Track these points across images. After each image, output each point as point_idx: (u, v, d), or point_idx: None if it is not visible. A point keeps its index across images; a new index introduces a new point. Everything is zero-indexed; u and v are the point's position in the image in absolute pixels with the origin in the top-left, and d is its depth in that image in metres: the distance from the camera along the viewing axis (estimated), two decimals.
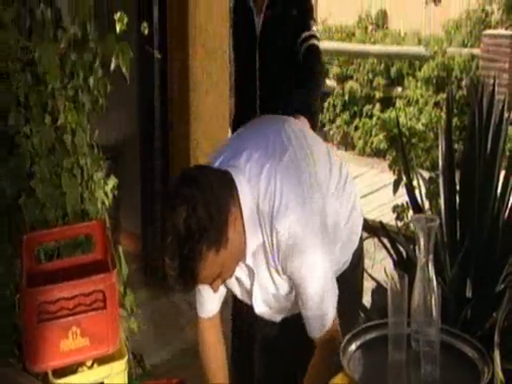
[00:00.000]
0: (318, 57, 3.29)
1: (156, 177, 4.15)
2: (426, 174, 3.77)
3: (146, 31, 2.67)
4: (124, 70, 1.93)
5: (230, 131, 3.83)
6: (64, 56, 2.61)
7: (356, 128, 8.27)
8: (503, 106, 3.23)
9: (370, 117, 8.15)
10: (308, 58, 3.23)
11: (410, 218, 3.56)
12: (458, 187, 3.22)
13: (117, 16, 1.99)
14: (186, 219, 1.71)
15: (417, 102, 7.74)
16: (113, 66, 2.08)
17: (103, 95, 2.93)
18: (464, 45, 8.02)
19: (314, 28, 3.28)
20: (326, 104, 8.62)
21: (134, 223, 4.40)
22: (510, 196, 3.12)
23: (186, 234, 1.71)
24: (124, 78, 2.21)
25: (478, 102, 3.25)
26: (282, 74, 3.30)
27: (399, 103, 7.96)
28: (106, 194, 3.10)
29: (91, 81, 2.75)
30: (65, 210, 2.75)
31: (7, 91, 2.46)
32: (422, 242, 1.73)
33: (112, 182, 3.10)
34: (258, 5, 3.31)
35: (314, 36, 3.24)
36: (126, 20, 1.97)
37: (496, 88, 3.37)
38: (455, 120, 6.71)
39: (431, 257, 1.74)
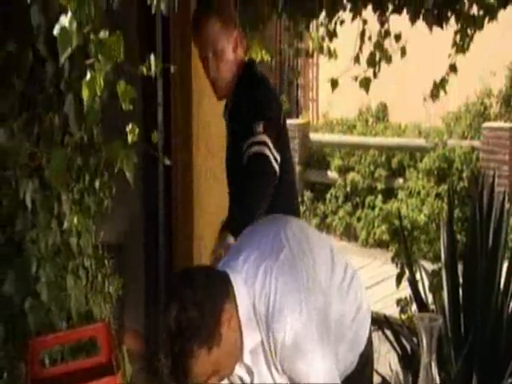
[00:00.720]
0: (254, 168, 2.64)
1: (160, 276, 4.16)
2: (429, 266, 3.78)
3: (156, 140, 2.78)
4: (128, 175, 2.00)
5: None
6: (70, 160, 2.68)
7: (358, 219, 8.32)
8: (504, 198, 3.28)
9: (373, 208, 8.22)
10: (246, 171, 2.66)
11: (413, 311, 3.54)
12: (461, 280, 3.23)
13: (128, 128, 2.07)
14: (176, 317, 1.75)
15: (418, 193, 7.82)
16: (116, 170, 2.15)
17: (108, 197, 3.01)
18: (464, 137, 8.16)
19: (260, 130, 2.61)
20: (328, 195, 8.72)
21: (138, 322, 4.38)
22: None
23: (176, 332, 1.74)
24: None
25: (478, 194, 3.30)
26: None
27: (401, 194, 8.03)
28: (109, 293, 3.13)
29: (97, 184, 2.83)
30: (69, 312, 2.77)
31: (14, 197, 2.52)
32: (424, 341, 1.74)
33: (116, 281, 3.13)
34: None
35: (256, 143, 2.61)
36: (137, 131, 2.05)
37: (496, 180, 3.43)
38: (457, 211, 6.76)
39: (434, 356, 1.74)
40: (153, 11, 1.68)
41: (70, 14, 1.62)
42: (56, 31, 1.63)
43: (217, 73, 2.74)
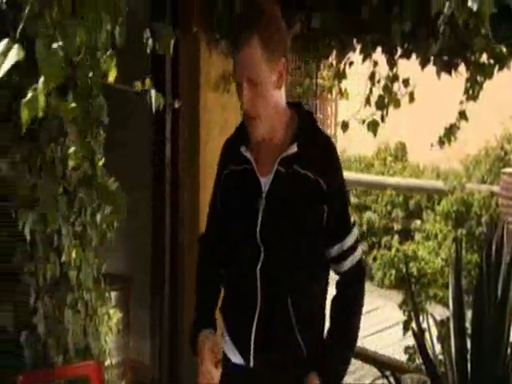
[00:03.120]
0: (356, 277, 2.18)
1: (164, 308, 4.13)
2: (444, 311, 3.67)
3: None
4: (118, 217, 1.98)
5: None
6: (71, 193, 2.66)
7: (374, 259, 8.23)
8: None
9: (389, 248, 8.12)
10: (348, 289, 2.17)
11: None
12: (469, 331, 3.14)
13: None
14: None
15: (436, 236, 7.71)
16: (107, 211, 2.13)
17: (112, 230, 2.97)
18: (483, 181, 8.06)
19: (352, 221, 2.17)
20: None
21: (143, 353, 4.35)
22: None
23: None
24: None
25: (488, 242, 3.24)
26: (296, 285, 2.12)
27: (418, 236, 7.93)
28: (110, 328, 3.09)
29: (98, 217, 2.79)
30: (66, 346, 2.73)
31: (14, 229, 2.50)
32: None
33: (116, 316, 3.10)
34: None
35: (356, 243, 2.17)
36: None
37: (505, 228, 3.34)
38: (475, 257, 6.62)
39: None
40: (147, 51, 1.65)
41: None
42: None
43: (253, 108, 2.07)
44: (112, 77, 1.85)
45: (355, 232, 2.15)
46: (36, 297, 2.65)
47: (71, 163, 2.42)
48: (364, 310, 2.20)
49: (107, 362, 3.24)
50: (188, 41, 3.47)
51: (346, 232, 2.12)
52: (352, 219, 2.14)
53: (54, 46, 1.55)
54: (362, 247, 2.16)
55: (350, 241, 2.12)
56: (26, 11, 1.51)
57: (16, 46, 1.50)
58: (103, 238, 2.96)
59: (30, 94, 1.59)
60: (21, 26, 1.53)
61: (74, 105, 1.84)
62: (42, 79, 1.58)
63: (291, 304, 2.09)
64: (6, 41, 1.51)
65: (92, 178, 2.63)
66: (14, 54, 1.50)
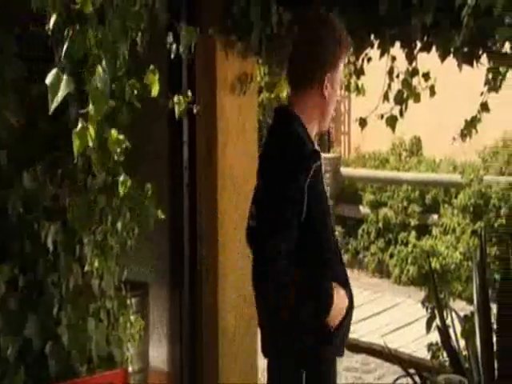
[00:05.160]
0: None
1: (183, 313, 4.12)
2: (465, 305, 3.64)
3: None
4: (150, 222, 1.98)
5: None
6: (93, 202, 2.66)
7: (391, 255, 8.18)
8: None
9: (406, 244, 8.07)
10: None
11: (445, 357, 3.40)
12: (495, 325, 3.11)
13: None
14: None
15: (454, 230, 7.64)
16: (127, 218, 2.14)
17: (132, 237, 2.97)
18: (501, 173, 7.94)
19: None
20: (360, 231, 8.61)
21: (163, 359, 4.34)
22: None
23: None
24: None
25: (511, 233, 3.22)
26: None
27: (435, 231, 7.87)
28: (132, 335, 3.08)
29: (119, 225, 2.79)
30: (90, 355, 2.73)
31: (36, 240, 2.50)
32: None
33: (138, 323, 3.09)
34: None
35: None
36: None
37: None
38: (494, 249, 6.55)
39: None
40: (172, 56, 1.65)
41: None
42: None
43: None
44: (155, 91, 1.87)
45: None
46: (59, 307, 2.65)
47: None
48: (382, 307, 2.25)
49: (130, 369, 3.24)
50: (204, 43, 3.45)
51: None
52: None
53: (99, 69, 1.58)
54: None
55: None
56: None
57: (65, 78, 1.52)
58: (123, 246, 2.96)
59: (80, 125, 1.62)
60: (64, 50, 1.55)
61: (121, 137, 1.87)
62: (91, 107, 1.60)
63: None
64: (54, 71, 1.53)
65: (114, 186, 2.63)
66: (65, 86, 1.53)
